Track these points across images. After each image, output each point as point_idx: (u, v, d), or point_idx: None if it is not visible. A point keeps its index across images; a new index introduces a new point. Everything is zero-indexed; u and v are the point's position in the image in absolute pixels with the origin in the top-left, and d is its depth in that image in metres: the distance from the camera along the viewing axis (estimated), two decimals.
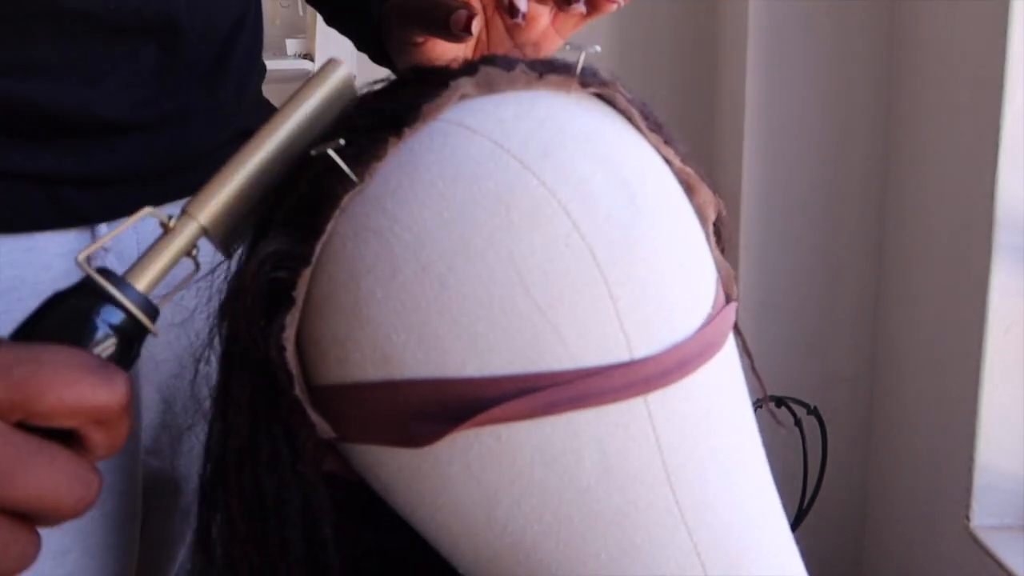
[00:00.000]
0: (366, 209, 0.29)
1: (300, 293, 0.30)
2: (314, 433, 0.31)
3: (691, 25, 1.64)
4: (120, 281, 0.28)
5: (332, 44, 1.64)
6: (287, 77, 1.73)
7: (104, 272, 0.28)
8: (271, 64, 1.95)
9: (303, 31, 1.73)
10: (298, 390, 0.30)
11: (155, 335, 0.29)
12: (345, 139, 0.29)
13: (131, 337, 0.28)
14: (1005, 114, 1.00)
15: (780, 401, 1.11)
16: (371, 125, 0.30)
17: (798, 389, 1.22)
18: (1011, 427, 1.07)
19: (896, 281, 1.37)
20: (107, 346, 0.27)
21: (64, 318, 0.27)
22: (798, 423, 1.14)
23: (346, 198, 0.29)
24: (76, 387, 0.24)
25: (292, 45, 1.68)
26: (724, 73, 1.59)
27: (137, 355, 0.29)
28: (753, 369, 0.35)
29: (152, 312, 0.29)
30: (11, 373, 0.24)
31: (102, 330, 0.27)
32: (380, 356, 0.29)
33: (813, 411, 1.16)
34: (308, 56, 1.64)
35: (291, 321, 0.30)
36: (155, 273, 0.29)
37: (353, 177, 0.29)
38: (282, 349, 0.30)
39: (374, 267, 0.29)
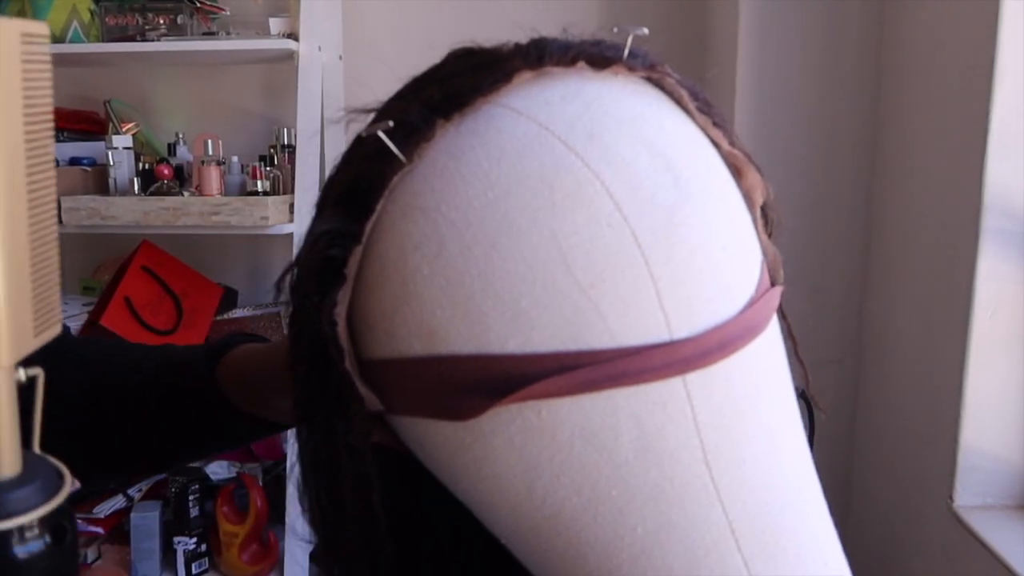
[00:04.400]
0: (414, 189, 0.30)
1: (351, 270, 0.31)
2: (363, 406, 0.32)
3: (682, 17, 1.64)
4: None
5: (317, 22, 1.61)
6: (270, 57, 1.70)
7: None
8: (254, 44, 1.88)
9: (286, 10, 1.70)
10: (348, 363, 0.31)
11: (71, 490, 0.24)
12: (395, 121, 0.30)
13: (56, 522, 0.24)
14: (994, 99, 1.01)
15: None
16: (421, 108, 0.31)
17: None
18: (995, 409, 1.09)
19: (883, 265, 1.38)
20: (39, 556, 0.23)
21: None
22: None
23: (395, 178, 0.30)
24: None
25: (275, 24, 1.64)
26: (713, 56, 1.59)
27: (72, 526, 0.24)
28: (796, 354, 0.36)
29: (50, 475, 0.24)
30: None
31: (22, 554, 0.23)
32: (426, 331, 0.30)
33: (800, 393, 1.17)
34: (292, 35, 1.61)
35: (343, 297, 0.31)
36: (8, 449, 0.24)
37: (402, 158, 0.30)
38: (334, 324, 0.31)
39: (421, 244, 0.30)
